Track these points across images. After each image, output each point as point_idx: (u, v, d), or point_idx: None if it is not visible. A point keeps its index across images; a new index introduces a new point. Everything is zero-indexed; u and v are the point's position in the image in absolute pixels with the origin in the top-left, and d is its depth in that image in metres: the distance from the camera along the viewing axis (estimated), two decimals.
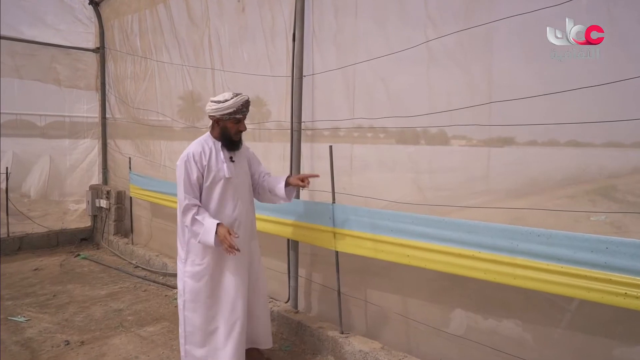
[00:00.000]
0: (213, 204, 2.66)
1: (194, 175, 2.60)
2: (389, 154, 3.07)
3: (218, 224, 2.53)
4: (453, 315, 2.84)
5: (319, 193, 3.29)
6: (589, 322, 2.20)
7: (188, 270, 2.71)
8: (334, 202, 3.04)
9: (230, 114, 2.60)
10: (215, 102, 2.61)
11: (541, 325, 2.35)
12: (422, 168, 2.84)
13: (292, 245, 3.58)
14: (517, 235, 2.16)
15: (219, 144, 2.70)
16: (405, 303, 2.97)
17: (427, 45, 2.58)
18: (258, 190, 2.96)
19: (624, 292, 1.86)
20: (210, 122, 2.73)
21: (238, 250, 2.52)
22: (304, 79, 3.35)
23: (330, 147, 3.02)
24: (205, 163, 2.63)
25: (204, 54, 4.23)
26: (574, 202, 2.10)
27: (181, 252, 2.74)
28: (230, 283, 2.70)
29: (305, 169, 3.44)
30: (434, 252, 2.48)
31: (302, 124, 3.42)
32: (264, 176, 2.95)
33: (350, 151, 3.16)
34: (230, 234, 2.50)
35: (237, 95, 2.61)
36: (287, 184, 2.80)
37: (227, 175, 2.66)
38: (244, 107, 2.63)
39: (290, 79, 3.42)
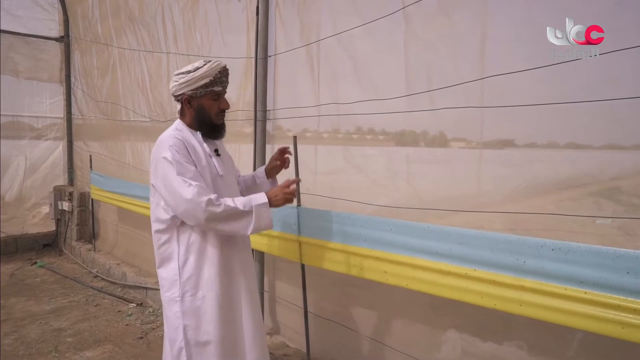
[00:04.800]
0: None
1: (191, 163, 1.85)
2: (366, 151, 2.54)
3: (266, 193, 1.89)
4: (445, 338, 2.34)
5: None
6: (607, 344, 1.70)
7: (188, 308, 1.90)
8: (299, 204, 2.51)
9: (205, 86, 1.88)
10: (183, 73, 1.90)
11: (550, 348, 1.89)
12: (401, 168, 2.32)
13: (257, 256, 3.04)
14: (525, 249, 1.64)
15: (199, 134, 1.98)
16: (388, 323, 2.46)
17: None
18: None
19: None
20: (179, 107, 2.00)
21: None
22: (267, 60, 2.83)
23: (295, 137, 2.49)
24: (193, 158, 1.89)
25: (158, 36, 3.70)
26: (578, 205, 1.78)
27: (170, 283, 1.92)
28: (247, 321, 2.00)
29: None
30: (418, 268, 1.95)
31: (267, 112, 2.90)
32: (238, 177, 2.29)
33: (314, 148, 2.63)
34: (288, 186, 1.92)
35: (209, 61, 1.92)
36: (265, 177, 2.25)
37: (220, 173, 1.97)
38: (223, 75, 1.93)
39: (251, 60, 2.89)
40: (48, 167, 6.27)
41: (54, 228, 6.23)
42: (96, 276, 4.85)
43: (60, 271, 5.03)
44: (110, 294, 4.26)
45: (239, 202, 1.83)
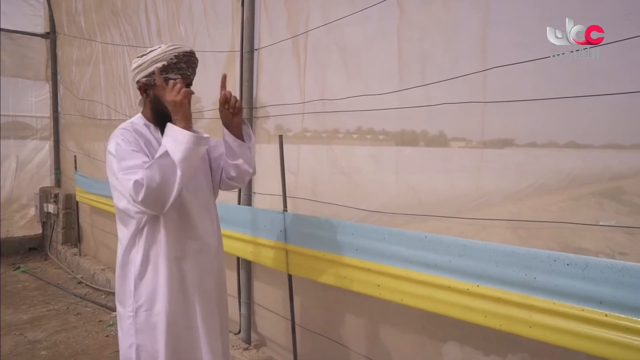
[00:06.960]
0: (169, 222, 1.67)
1: (139, 151, 1.60)
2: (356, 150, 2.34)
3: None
4: (445, 351, 2.15)
5: (270, 197, 2.56)
6: None
7: (142, 325, 1.67)
8: (285, 209, 2.31)
9: (158, 71, 1.60)
10: (138, 57, 1.66)
11: None
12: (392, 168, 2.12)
13: (243, 264, 2.84)
14: (535, 263, 1.45)
15: (159, 130, 1.70)
16: (382, 335, 2.26)
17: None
18: (229, 175, 1.84)
19: None
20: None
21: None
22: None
23: (280, 136, 2.29)
24: (146, 151, 1.63)
25: (141, 30, 3.50)
26: (580, 205, 1.71)
27: (126, 297, 1.69)
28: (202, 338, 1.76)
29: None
30: (414, 282, 1.76)
31: (254, 110, 2.70)
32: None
33: (298, 148, 2.43)
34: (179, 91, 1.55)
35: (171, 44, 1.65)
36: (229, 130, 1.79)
37: None
38: (181, 61, 1.63)
39: (236, 54, 2.70)
40: (34, 168, 6.06)
41: (40, 231, 6.02)
42: (80, 282, 4.65)
43: (44, 277, 4.83)
44: (92, 302, 4.06)
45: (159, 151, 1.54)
